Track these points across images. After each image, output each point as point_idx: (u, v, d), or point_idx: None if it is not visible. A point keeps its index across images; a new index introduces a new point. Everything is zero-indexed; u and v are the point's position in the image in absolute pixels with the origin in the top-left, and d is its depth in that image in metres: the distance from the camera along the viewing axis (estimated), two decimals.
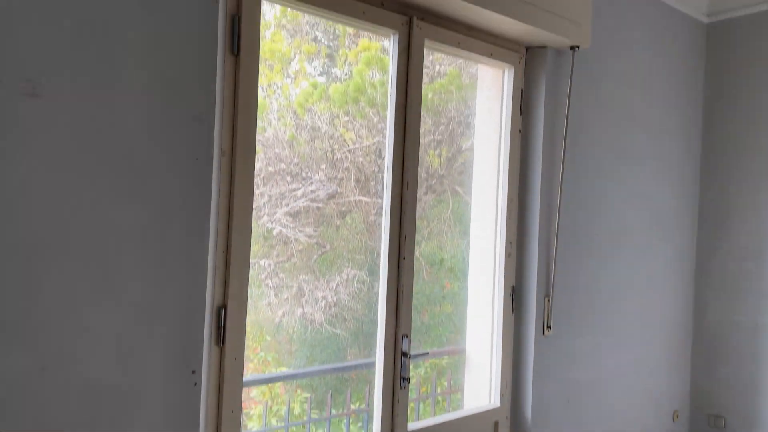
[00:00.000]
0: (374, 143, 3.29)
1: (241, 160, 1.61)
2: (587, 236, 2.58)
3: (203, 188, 1.50)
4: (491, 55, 2.28)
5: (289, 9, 2.29)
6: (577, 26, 2.28)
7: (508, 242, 2.37)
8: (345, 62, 3.51)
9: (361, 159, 3.34)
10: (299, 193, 3.24)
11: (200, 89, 1.48)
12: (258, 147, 1.70)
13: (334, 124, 3.35)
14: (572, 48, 2.37)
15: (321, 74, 3.55)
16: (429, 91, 3.15)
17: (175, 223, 1.45)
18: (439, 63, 3.23)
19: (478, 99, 2.51)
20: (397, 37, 1.97)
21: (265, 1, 1.69)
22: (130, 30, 1.37)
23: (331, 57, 3.58)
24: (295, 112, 3.34)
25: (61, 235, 1.29)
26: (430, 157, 3.25)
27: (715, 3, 3.12)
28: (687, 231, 3.13)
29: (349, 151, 3.34)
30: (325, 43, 3.59)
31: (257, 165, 1.67)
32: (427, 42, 2.05)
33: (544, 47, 2.37)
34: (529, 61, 2.41)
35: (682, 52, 3.06)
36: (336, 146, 3.32)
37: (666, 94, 2.97)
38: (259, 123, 1.68)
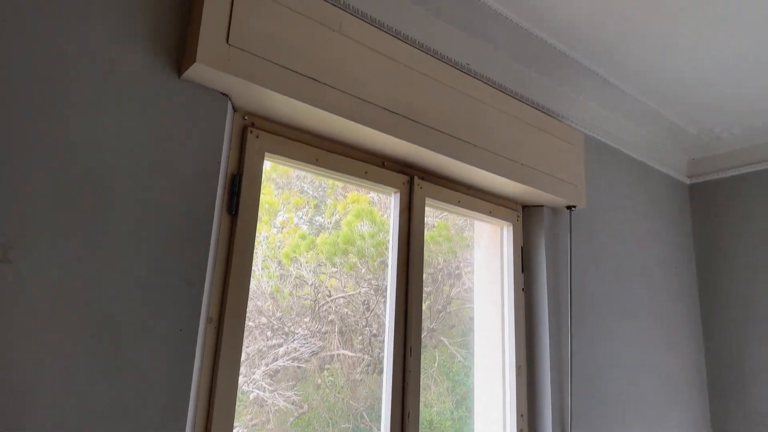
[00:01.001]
0: (361, 293, 3.14)
1: (229, 330, 1.43)
2: (603, 404, 2.36)
3: (185, 364, 1.29)
4: (490, 213, 2.24)
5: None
6: (573, 187, 2.29)
7: (519, 415, 2.13)
8: (333, 213, 3.48)
9: (346, 310, 3.15)
10: (281, 351, 2.99)
11: (193, 252, 1.35)
12: None
13: (320, 274, 3.22)
14: (569, 207, 2.36)
15: (308, 225, 3.50)
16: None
17: (151, 403, 1.22)
18: (428, 215, 3.23)
19: (476, 255, 2.43)
20: (398, 196, 1.93)
21: (267, 161, 1.63)
22: (126, 192, 1.26)
23: (318, 207, 3.56)
24: (280, 263, 3.21)
25: (28, 414, 1.05)
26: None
27: (693, 167, 3.26)
28: (699, 397, 2.93)
29: (333, 300, 3.17)
30: (312, 194, 3.59)
31: None
32: (427, 200, 2.01)
33: (541, 206, 2.36)
34: (526, 219, 2.39)
35: (671, 211, 3.11)
36: (321, 297, 3.15)
37: (661, 253, 2.96)
38: None
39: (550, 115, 2.46)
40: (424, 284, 3.19)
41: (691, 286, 3.11)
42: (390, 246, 1.92)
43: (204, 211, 1.38)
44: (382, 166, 1.89)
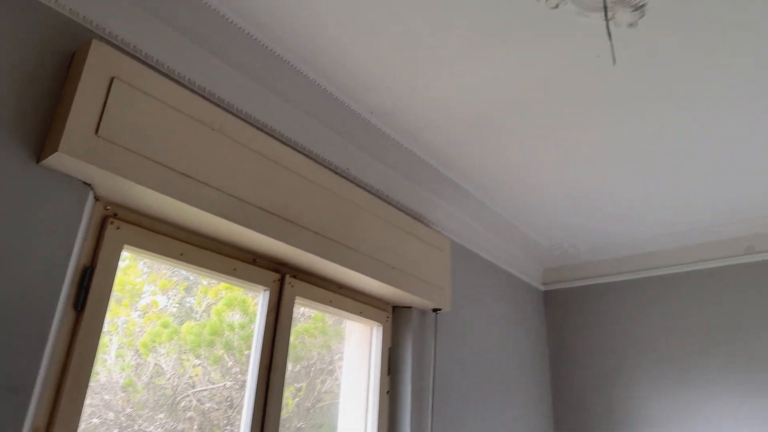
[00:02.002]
0: (225, 388, 2.96)
1: None
2: None
3: None
4: (361, 313, 2.27)
5: None
6: (439, 291, 2.41)
7: None
8: (204, 300, 3.32)
9: (207, 405, 2.94)
10: None
11: (24, 354, 1.21)
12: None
13: (182, 366, 3.00)
14: (435, 310, 2.47)
15: (175, 311, 3.29)
16: (291, 335, 3.02)
17: None
18: (305, 306, 3.19)
19: (345, 352, 2.43)
20: (267, 294, 1.90)
21: (126, 252, 1.55)
22: None
23: (190, 290, 3.38)
24: (137, 352, 2.96)
25: None
26: (288, 405, 2.97)
27: (547, 275, 3.59)
28: None
29: (194, 394, 2.95)
30: (186, 274, 3.42)
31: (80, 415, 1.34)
32: (298, 299, 2.00)
33: (410, 307, 2.45)
34: (396, 320, 2.45)
35: (528, 316, 3.36)
36: (180, 391, 2.92)
37: (519, 355, 3.15)
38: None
39: (421, 221, 2.62)
40: (295, 379, 3.09)
41: (546, 388, 3.32)
42: (254, 346, 1.86)
43: (45, 307, 1.26)
44: (253, 263, 1.88)
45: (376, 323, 2.36)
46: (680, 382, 2.94)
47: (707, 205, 2.76)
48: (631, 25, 1.68)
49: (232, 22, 1.72)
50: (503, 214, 2.95)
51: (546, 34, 1.75)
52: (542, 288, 3.61)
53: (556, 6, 1.63)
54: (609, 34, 1.56)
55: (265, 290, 1.91)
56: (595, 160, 2.43)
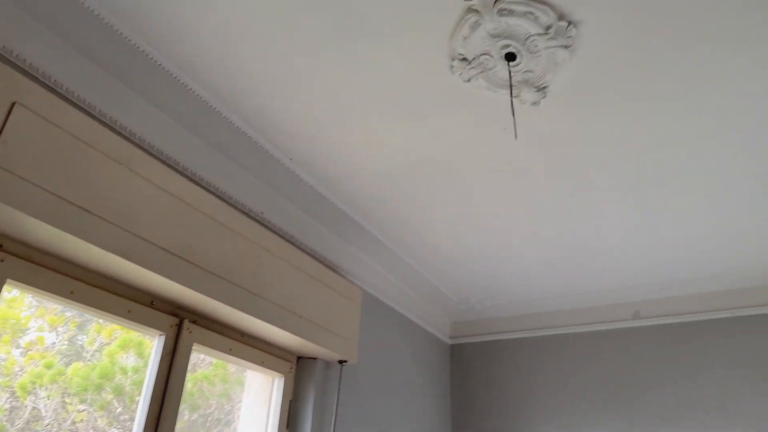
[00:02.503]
0: None
1: None
2: None
3: None
4: (263, 363, 2.21)
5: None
6: (346, 342, 2.40)
7: None
8: (97, 339, 3.10)
9: None
10: None
11: None
12: None
13: (65, 411, 2.77)
14: (341, 362, 2.45)
15: (63, 349, 3.05)
16: (189, 381, 2.87)
17: None
18: (202, 352, 3.05)
19: (244, 402, 2.33)
20: (163, 339, 1.82)
21: (9, 286, 1.44)
22: None
23: (81, 328, 3.15)
24: (13, 393, 2.70)
25: None
26: None
27: (455, 329, 3.68)
28: None
29: None
30: (77, 313, 3.19)
31: None
32: (196, 346, 1.92)
33: (315, 358, 2.41)
34: (299, 371, 2.40)
35: (434, 369, 3.40)
36: None
37: (424, 408, 3.16)
38: None
39: (333, 270, 2.63)
40: (191, 429, 2.91)
41: None
42: (143, 394, 1.76)
43: None
44: (151, 305, 1.79)
45: (278, 374, 2.30)
46: None
47: (597, 271, 2.97)
48: (534, 103, 1.83)
49: (151, 57, 1.70)
50: (416, 267, 3.02)
51: (458, 105, 1.86)
52: (449, 342, 3.68)
53: (469, 80, 1.75)
54: (513, 111, 1.69)
55: (160, 335, 1.82)
56: (499, 224, 2.57)
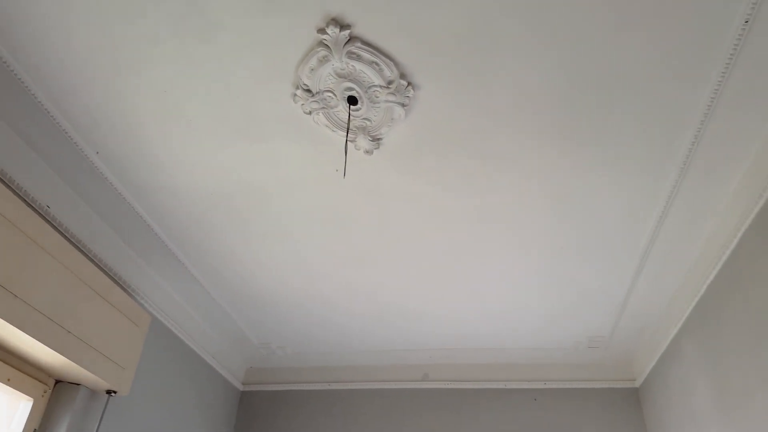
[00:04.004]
0: None
1: None
2: None
3: None
4: (8, 381, 1.84)
5: None
6: (120, 371, 2.12)
7: None
8: None
9: None
10: None
11: None
12: None
13: None
14: (109, 392, 2.14)
15: None
16: None
17: None
18: None
19: None
20: None
21: None
22: None
23: None
24: None
25: None
26: None
27: (249, 375, 3.50)
28: None
29: None
30: None
31: None
32: None
33: (78, 384, 2.08)
34: (55, 396, 2.04)
35: (219, 414, 3.16)
36: None
37: None
38: None
39: (122, 286, 2.35)
40: None
41: None
42: None
43: None
44: None
45: (26, 396, 1.92)
46: None
47: (395, 332, 3.06)
48: (367, 152, 1.89)
49: None
50: (220, 302, 2.82)
51: (294, 135, 1.85)
52: (241, 388, 3.47)
53: (309, 113, 1.76)
54: (345, 151, 1.73)
55: None
56: (317, 269, 2.54)
